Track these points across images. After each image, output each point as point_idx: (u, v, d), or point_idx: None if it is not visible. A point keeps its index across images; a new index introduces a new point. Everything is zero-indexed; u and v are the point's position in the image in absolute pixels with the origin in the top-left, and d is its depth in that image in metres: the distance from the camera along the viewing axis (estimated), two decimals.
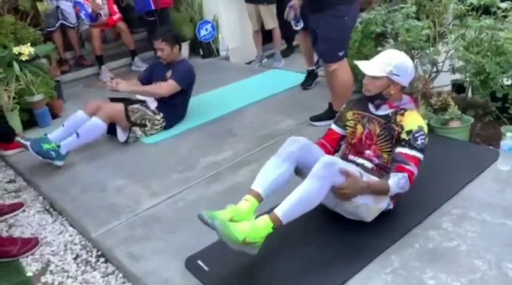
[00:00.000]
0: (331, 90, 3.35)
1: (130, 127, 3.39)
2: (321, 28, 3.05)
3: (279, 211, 1.86)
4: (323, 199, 1.94)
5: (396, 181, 2.02)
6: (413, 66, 2.16)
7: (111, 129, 3.40)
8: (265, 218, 1.86)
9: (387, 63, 2.07)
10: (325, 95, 3.54)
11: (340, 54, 3.10)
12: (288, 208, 1.86)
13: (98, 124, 3.21)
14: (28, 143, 3.00)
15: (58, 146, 3.07)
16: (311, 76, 4.24)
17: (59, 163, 3.08)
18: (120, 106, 3.34)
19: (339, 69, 3.14)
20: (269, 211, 1.91)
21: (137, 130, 3.42)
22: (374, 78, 2.08)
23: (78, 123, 3.20)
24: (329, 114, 3.40)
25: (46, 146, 3.02)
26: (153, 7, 5.05)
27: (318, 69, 4.29)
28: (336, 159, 1.96)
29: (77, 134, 3.13)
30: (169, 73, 3.54)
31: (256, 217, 1.90)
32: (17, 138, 3.11)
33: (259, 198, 1.96)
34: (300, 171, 2.09)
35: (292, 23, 3.55)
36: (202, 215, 1.85)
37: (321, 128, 3.30)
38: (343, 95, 3.06)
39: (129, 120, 3.36)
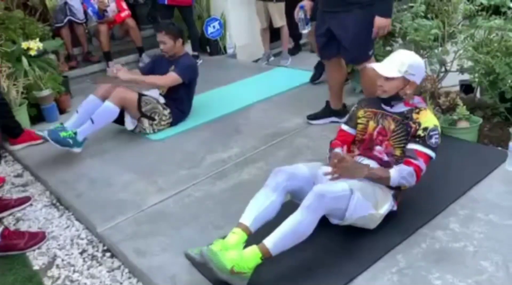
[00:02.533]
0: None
1: (139, 118, 3.40)
2: (349, 30, 2.88)
3: (268, 243, 1.81)
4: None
5: (399, 171, 2.02)
6: (424, 64, 2.15)
7: (118, 119, 3.39)
8: (254, 248, 1.81)
9: (401, 63, 2.06)
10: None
11: (370, 53, 3.03)
12: (278, 240, 1.81)
13: (111, 108, 3.23)
14: (45, 133, 3.04)
15: (75, 133, 3.12)
16: (321, 68, 4.11)
17: (77, 150, 3.13)
18: (134, 94, 3.37)
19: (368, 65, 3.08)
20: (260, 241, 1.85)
21: (145, 122, 3.43)
22: (390, 79, 2.07)
23: (91, 108, 3.23)
24: (326, 112, 3.40)
25: (63, 134, 3.07)
26: (166, 2, 5.06)
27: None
28: (328, 189, 1.89)
29: (92, 120, 3.17)
30: (171, 68, 3.54)
31: (244, 248, 1.87)
32: (36, 131, 3.14)
33: (247, 231, 1.92)
34: (293, 198, 2.08)
35: (299, 24, 3.41)
36: (188, 252, 1.83)
37: (325, 126, 3.32)
38: (370, 91, 2.97)
39: (140, 110, 3.37)
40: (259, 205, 1.97)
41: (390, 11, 2.91)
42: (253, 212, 1.96)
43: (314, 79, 4.26)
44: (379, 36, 2.87)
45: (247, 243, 1.88)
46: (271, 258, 1.82)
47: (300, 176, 2.07)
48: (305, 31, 3.47)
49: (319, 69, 4.22)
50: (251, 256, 1.80)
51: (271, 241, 1.81)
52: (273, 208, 1.98)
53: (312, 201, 1.85)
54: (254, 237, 1.91)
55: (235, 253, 1.80)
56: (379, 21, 2.81)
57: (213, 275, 1.80)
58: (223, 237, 1.95)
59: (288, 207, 2.00)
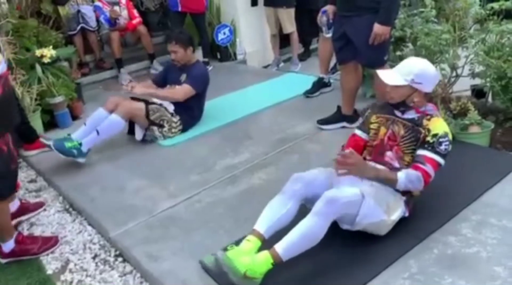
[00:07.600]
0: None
1: (148, 126, 3.44)
2: (362, 34, 2.90)
3: (279, 248, 1.82)
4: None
5: (406, 174, 2.02)
6: (436, 72, 2.15)
7: (132, 130, 3.45)
8: (265, 253, 1.83)
9: (408, 72, 2.07)
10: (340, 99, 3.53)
11: (385, 58, 3.05)
12: (289, 245, 1.82)
13: (116, 120, 3.26)
14: (51, 142, 3.09)
15: (80, 144, 3.15)
16: (318, 84, 4.17)
17: (81, 160, 3.17)
18: (141, 104, 3.40)
19: None
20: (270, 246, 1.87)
21: (155, 130, 3.46)
22: (397, 86, 2.08)
23: (99, 121, 3.27)
24: (337, 117, 3.39)
25: (68, 145, 3.10)
26: (179, 9, 5.13)
27: (330, 78, 4.25)
28: (339, 195, 1.89)
29: (97, 131, 3.20)
30: (183, 77, 3.57)
31: (257, 252, 1.88)
32: (41, 139, 3.20)
33: (261, 238, 1.93)
34: (306, 206, 2.07)
35: (324, 29, 3.42)
36: (203, 261, 1.86)
37: (336, 131, 3.31)
38: (381, 96, 2.97)
39: (148, 118, 3.40)
40: (275, 213, 1.98)
41: (390, 20, 2.93)
42: (269, 220, 1.96)
43: (309, 93, 4.14)
44: (376, 43, 2.90)
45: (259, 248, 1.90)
46: (282, 264, 1.83)
47: (317, 184, 2.07)
48: (328, 35, 3.48)
49: (318, 85, 4.17)
50: (263, 262, 1.81)
51: (282, 247, 1.82)
52: (288, 216, 1.99)
53: (322, 206, 1.85)
54: (266, 240, 1.92)
55: (248, 259, 1.81)
56: (377, 28, 2.85)
57: (226, 278, 1.80)
58: (236, 242, 1.96)
59: (300, 211, 2.00)
